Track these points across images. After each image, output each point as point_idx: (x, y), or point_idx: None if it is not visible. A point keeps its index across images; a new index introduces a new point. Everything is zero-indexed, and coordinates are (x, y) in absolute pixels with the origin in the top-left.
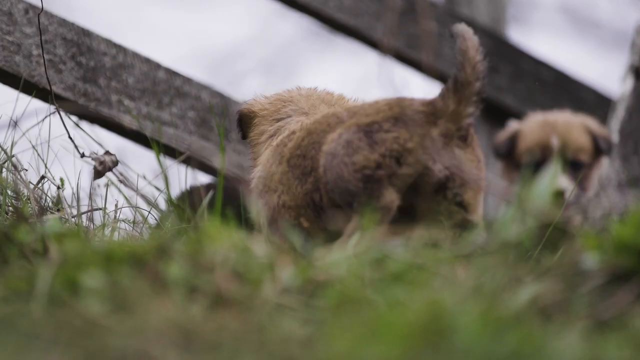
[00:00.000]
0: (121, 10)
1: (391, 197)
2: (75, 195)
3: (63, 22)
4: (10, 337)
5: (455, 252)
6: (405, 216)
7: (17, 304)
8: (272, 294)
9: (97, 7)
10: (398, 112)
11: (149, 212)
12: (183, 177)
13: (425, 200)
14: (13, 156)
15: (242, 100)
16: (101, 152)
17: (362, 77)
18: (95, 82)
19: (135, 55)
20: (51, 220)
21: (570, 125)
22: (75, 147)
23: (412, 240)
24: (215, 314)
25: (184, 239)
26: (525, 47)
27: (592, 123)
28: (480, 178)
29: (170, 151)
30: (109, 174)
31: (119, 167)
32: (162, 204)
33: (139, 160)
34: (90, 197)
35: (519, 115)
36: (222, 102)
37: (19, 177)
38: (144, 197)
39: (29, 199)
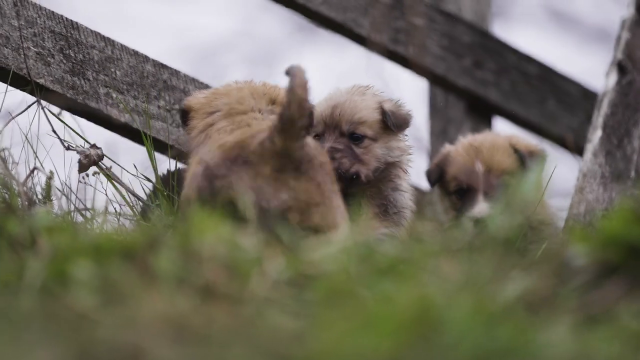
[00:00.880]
0: (107, 4)
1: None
2: (65, 187)
3: (51, 15)
4: (0, 329)
5: (443, 246)
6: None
7: (7, 296)
8: (261, 287)
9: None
10: (236, 153)
11: (136, 204)
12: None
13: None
14: (3, 149)
15: None
16: (87, 145)
17: (347, 72)
18: (83, 75)
19: (123, 48)
20: (40, 212)
21: (494, 147)
22: (60, 140)
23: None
24: (205, 307)
25: (173, 231)
26: (509, 41)
27: (519, 141)
28: (316, 202)
29: (158, 144)
30: (95, 167)
31: (105, 160)
32: (151, 196)
33: (126, 153)
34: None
35: (503, 110)
36: None
37: (8, 169)
38: (130, 190)
39: (19, 192)
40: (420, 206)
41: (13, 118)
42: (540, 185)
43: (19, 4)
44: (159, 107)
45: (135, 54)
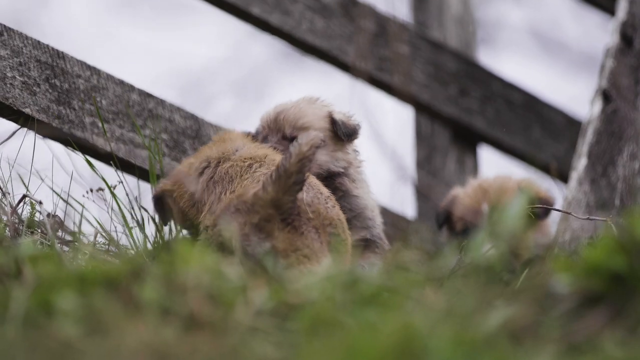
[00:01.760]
0: (94, 32)
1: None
2: (50, 217)
3: (37, 45)
4: None
5: (427, 275)
6: None
7: None
8: (245, 317)
9: (70, 29)
10: (227, 203)
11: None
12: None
13: None
14: None
15: (213, 124)
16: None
17: (332, 99)
18: (69, 104)
19: (109, 77)
20: (25, 242)
21: (502, 189)
22: (33, 202)
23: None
24: (189, 336)
25: (157, 261)
26: (494, 69)
27: (529, 184)
28: (296, 248)
29: (144, 173)
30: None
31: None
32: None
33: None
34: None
35: (488, 138)
36: (195, 124)
37: None
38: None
39: (6, 222)
40: (405, 234)
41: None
42: (542, 229)
43: (5, 33)
44: (144, 136)
45: (121, 83)
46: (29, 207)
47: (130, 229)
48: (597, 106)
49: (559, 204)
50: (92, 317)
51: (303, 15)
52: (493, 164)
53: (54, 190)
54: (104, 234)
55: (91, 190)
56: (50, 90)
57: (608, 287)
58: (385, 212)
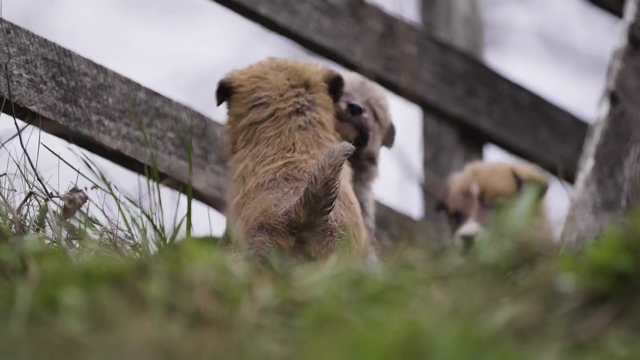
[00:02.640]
0: (101, 32)
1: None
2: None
3: (44, 43)
4: None
5: (433, 273)
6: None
7: None
8: (250, 314)
9: (77, 28)
10: (262, 221)
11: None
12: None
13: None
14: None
15: (220, 123)
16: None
17: None
18: (75, 102)
19: (116, 75)
20: (31, 238)
21: (494, 171)
22: (44, 186)
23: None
24: (195, 333)
25: (163, 257)
26: (502, 70)
27: (521, 168)
28: None
29: (150, 171)
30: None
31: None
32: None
33: (119, 180)
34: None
35: (495, 138)
36: (202, 123)
37: (1, 195)
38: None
39: (12, 219)
40: (411, 234)
41: (2, 145)
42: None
43: (12, 31)
44: (150, 134)
45: (128, 81)
46: (34, 204)
47: (138, 227)
48: (605, 108)
49: (565, 205)
50: (97, 314)
51: (310, 15)
52: None
53: (58, 193)
54: (110, 230)
55: (91, 188)
56: (56, 88)
57: (613, 287)
58: (391, 212)
